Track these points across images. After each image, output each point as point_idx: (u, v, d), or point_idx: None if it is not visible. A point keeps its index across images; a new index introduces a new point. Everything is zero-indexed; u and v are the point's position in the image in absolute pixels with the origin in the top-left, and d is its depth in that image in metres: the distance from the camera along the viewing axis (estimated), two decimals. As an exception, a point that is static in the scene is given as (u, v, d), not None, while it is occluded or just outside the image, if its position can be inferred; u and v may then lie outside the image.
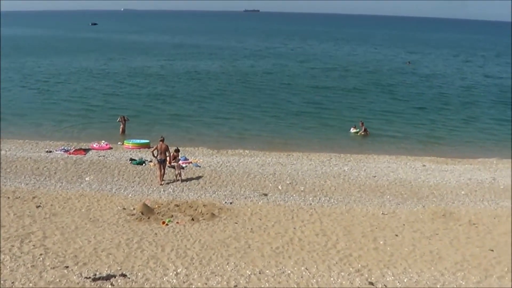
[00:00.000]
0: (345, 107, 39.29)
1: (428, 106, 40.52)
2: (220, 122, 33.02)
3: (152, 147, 20.74)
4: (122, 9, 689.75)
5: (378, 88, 48.95)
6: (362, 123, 30.53)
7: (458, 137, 31.60)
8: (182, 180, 20.07)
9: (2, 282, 11.40)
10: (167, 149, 19.69)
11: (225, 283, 11.92)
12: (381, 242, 14.89)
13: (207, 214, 16.54)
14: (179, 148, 21.61)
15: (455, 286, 12.50)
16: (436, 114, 37.41)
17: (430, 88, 49.74)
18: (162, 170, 19.77)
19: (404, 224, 16.52)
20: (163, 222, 15.75)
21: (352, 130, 30.79)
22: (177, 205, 17.28)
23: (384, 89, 48.33)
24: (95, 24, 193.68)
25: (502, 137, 31.37)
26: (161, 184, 19.59)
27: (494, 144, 29.88)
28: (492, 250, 14.68)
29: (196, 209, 16.94)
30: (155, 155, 19.75)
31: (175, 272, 12.30)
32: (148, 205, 16.98)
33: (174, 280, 11.92)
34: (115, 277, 11.84)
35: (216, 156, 24.40)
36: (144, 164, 22.26)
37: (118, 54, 75.52)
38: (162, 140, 19.87)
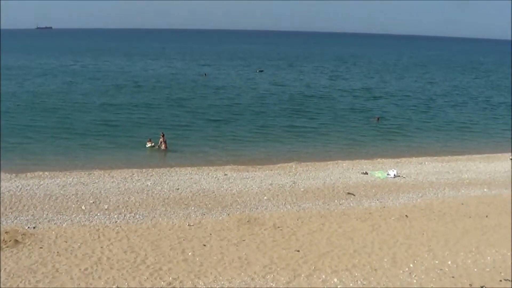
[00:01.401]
0: (135, 123, 38.11)
1: (222, 117, 41.50)
2: (11, 147, 29.84)
3: None
4: None
5: (170, 102, 48.79)
6: (163, 135, 30.08)
7: (254, 144, 32.79)
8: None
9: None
10: None
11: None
12: (189, 253, 14.87)
13: (10, 241, 15.35)
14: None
15: (266, 288, 12.70)
16: (229, 125, 38.44)
17: (223, 99, 51.04)
18: None
19: (211, 234, 16.62)
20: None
21: (148, 144, 30.18)
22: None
23: (176, 102, 48.34)
24: None
25: (296, 145, 33.18)
26: None
27: (288, 150, 31.42)
28: (298, 251, 15.33)
29: (-2, 238, 15.40)
30: None
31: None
32: None
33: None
34: None
35: (15, 180, 22.25)
36: None
37: None
38: None
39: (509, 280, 13.84)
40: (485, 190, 23.01)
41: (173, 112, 43.52)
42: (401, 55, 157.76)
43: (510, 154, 30.93)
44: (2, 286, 12.55)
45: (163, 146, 29.96)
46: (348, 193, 21.71)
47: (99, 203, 19.48)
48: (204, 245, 15.53)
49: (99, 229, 16.72)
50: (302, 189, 22.21)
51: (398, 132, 38.71)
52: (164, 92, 55.52)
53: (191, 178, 23.39)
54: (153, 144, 30.15)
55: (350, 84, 68.07)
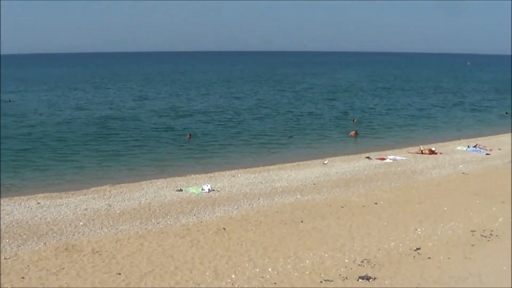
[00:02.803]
0: None
1: (24, 146, 39.20)
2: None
3: None
4: None
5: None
6: None
7: (61, 171, 31.63)
8: None
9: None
10: None
11: None
12: (7, 288, 14.13)
13: None
14: None
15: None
16: (34, 153, 36.67)
17: (22, 127, 48.20)
18: None
19: (28, 265, 16.00)
20: None
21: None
22: None
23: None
24: None
25: (107, 167, 32.80)
26: None
27: (100, 173, 30.94)
28: (120, 274, 15.41)
29: None
30: None
31: None
32: None
33: None
34: None
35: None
36: None
37: None
38: None
39: (329, 280, 15.10)
40: (298, 196, 24.65)
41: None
42: (208, 71, 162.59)
43: (322, 160, 33.48)
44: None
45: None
46: None
47: None
48: (23, 278, 14.96)
49: None
50: (118, 211, 22.10)
51: (209, 147, 40.01)
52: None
53: (3, 210, 22.11)
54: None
55: (158, 104, 68.57)
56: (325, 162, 32.67)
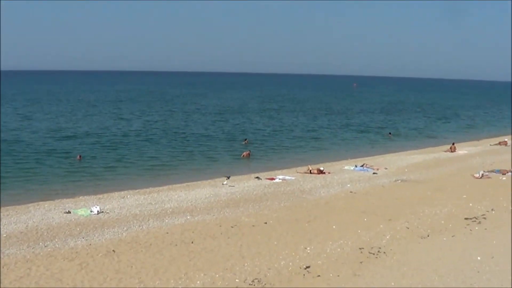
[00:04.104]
0: None
1: None
2: None
3: None
4: None
5: None
6: None
7: None
8: None
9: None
10: None
11: None
12: None
13: None
14: None
15: None
16: None
17: None
18: None
19: None
20: None
21: None
22: None
23: None
24: None
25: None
26: None
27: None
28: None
29: None
30: None
31: None
32: None
33: None
34: None
35: None
36: None
37: None
38: None
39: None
40: (188, 217, 24.74)
41: None
42: (97, 91, 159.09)
43: (211, 181, 33.88)
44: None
45: None
46: None
47: None
48: None
49: None
50: (4, 235, 21.23)
51: (97, 168, 39.37)
52: None
53: None
54: None
55: (43, 125, 66.45)
56: (225, 182, 32.90)
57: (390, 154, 48.37)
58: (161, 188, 31.98)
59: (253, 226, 23.30)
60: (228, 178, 33.33)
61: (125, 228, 22.67)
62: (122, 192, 30.41)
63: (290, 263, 18.50)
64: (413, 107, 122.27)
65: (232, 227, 23.05)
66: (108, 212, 25.39)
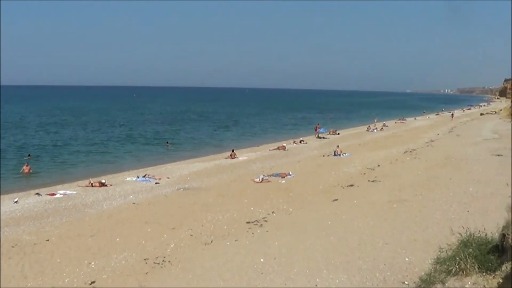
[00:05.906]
0: None
1: None
2: None
3: None
4: None
5: None
6: None
7: None
8: None
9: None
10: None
11: None
12: None
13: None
14: None
15: None
16: None
17: None
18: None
19: None
20: None
21: None
22: None
23: None
24: None
25: None
26: None
27: None
28: None
29: None
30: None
31: None
32: None
33: None
34: None
35: None
36: None
37: None
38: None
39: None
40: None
41: None
42: None
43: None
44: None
45: None
46: None
47: None
48: None
49: None
50: None
51: None
52: None
53: None
54: None
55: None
56: (16, 199, 31.27)
57: (172, 163, 49.21)
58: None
59: (34, 244, 22.33)
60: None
61: None
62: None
63: (75, 280, 18.11)
64: (196, 116, 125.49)
65: (12, 247, 21.86)
66: None
